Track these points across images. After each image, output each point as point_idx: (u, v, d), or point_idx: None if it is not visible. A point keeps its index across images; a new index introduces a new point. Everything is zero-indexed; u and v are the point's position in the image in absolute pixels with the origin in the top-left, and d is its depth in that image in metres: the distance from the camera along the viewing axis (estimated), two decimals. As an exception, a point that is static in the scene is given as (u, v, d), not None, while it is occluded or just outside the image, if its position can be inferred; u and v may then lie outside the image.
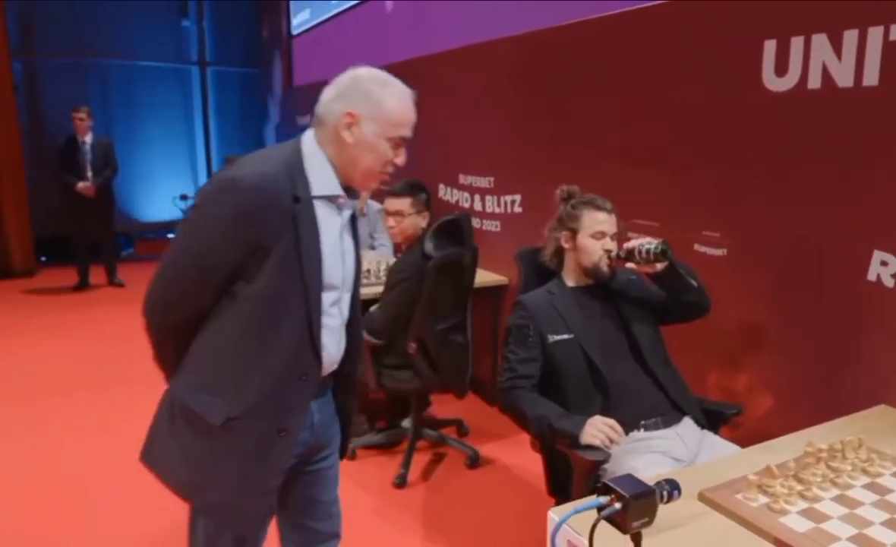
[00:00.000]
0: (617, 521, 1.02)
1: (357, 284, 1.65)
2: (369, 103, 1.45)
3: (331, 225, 1.49)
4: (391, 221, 3.17)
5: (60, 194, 6.68)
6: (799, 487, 1.50)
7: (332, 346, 1.55)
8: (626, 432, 2.03)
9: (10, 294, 6.74)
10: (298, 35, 7.87)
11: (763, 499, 1.47)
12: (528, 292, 2.28)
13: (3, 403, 4.02)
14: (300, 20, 7.76)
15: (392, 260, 3.83)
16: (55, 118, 7.85)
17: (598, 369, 2.08)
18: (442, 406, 3.76)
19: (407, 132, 1.52)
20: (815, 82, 2.14)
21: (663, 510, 1.45)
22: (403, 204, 3.12)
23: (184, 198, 7.40)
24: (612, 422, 1.91)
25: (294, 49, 8.07)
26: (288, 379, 1.47)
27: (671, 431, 2.04)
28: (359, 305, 1.68)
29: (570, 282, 2.25)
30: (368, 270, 3.67)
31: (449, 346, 3.10)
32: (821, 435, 1.76)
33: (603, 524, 1.01)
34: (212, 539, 1.54)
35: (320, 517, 1.73)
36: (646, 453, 1.94)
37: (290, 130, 8.12)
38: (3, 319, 5.84)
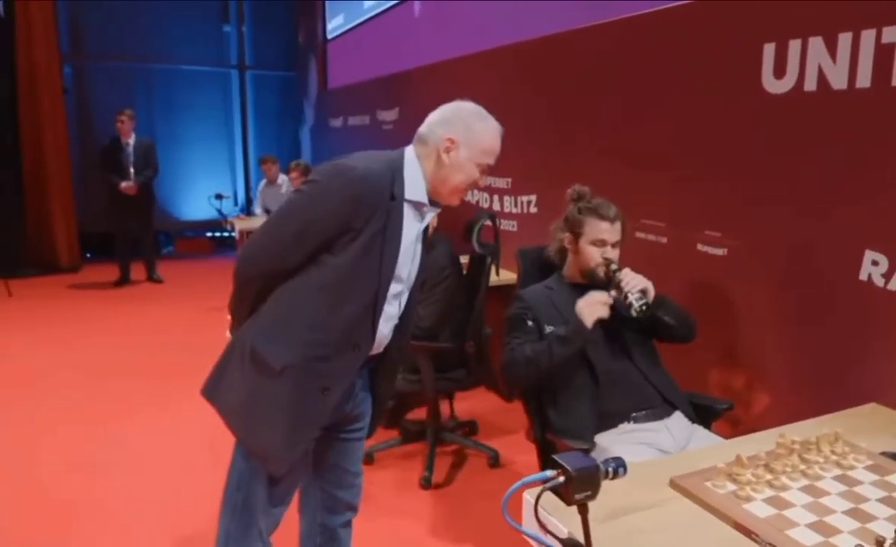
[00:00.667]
0: (561, 493, 1.10)
1: (417, 285, 1.86)
2: (468, 133, 1.70)
3: (412, 227, 1.71)
4: None
5: (104, 193, 6.99)
6: (768, 477, 1.55)
7: (385, 330, 1.76)
8: (616, 424, 2.10)
9: (56, 288, 7.07)
10: (333, 39, 8.06)
11: (731, 486, 1.52)
12: (527, 287, 2.35)
13: (50, 386, 4.28)
14: (335, 25, 7.95)
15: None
16: (102, 120, 8.18)
17: (591, 362, 2.15)
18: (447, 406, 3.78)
19: (492, 160, 1.75)
20: (811, 85, 2.17)
21: (637, 495, 1.53)
22: None
23: (219, 197, 7.62)
24: (595, 294, 2.08)
25: (329, 53, 8.25)
26: (343, 345, 1.67)
27: (661, 424, 2.09)
28: (415, 304, 1.89)
29: (568, 278, 2.32)
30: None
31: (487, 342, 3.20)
32: (805, 430, 1.79)
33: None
34: (251, 480, 1.73)
35: (344, 485, 1.93)
36: (633, 444, 2.00)
37: (324, 132, 8.31)
38: (48, 312, 6.14)
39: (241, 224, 6.61)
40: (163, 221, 8.72)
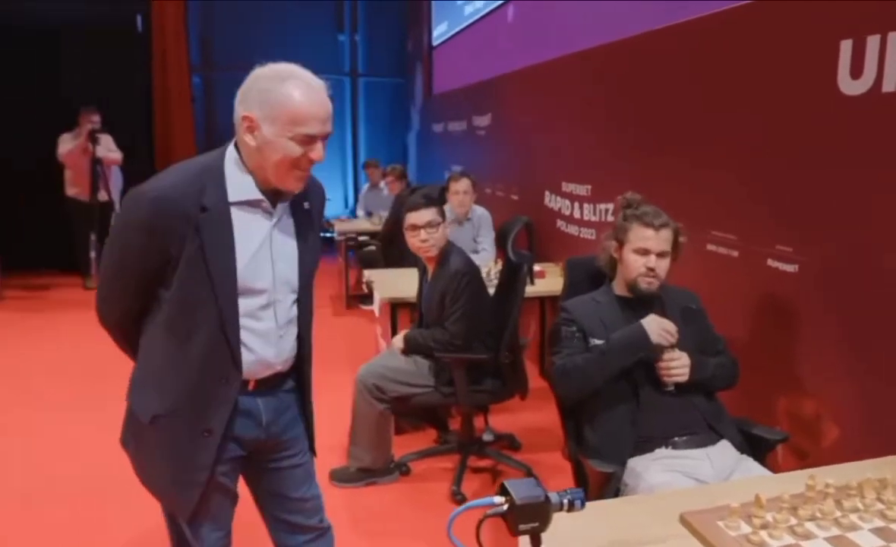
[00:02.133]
0: (506, 521, 1.05)
1: (306, 285, 1.63)
2: (265, 105, 1.41)
3: (254, 229, 1.50)
4: (423, 235, 2.97)
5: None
6: (792, 521, 1.40)
7: (267, 349, 1.56)
8: (653, 448, 1.98)
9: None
10: (438, 46, 8.17)
11: (746, 528, 1.39)
12: (573, 299, 2.27)
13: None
14: (439, 31, 8.05)
15: (495, 266, 3.91)
16: (225, 126, 8.69)
17: (634, 382, 2.04)
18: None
19: (314, 128, 1.44)
20: (889, 85, 1.94)
21: (645, 527, 1.44)
22: (431, 214, 2.99)
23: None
24: (667, 324, 2.01)
25: (434, 59, 8.37)
26: (207, 381, 1.50)
27: (702, 452, 1.95)
28: (309, 307, 1.66)
29: (618, 291, 2.21)
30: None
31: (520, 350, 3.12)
32: (863, 471, 1.60)
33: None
34: (171, 517, 1.70)
35: (293, 511, 1.74)
36: (666, 471, 1.88)
37: (428, 137, 8.45)
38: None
39: (340, 226, 6.83)
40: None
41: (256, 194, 1.49)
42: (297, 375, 1.69)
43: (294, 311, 1.62)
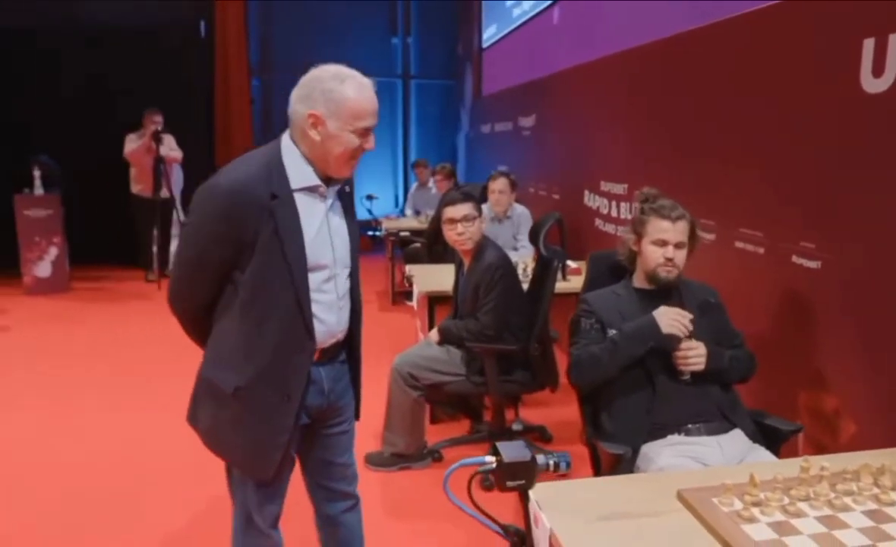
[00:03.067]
0: (496, 478, 1.15)
1: (355, 259, 1.82)
2: (330, 103, 1.58)
3: (313, 212, 1.67)
4: (460, 228, 3.10)
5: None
6: (785, 501, 1.45)
7: (331, 319, 1.74)
8: (666, 435, 2.04)
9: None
10: (487, 48, 8.27)
11: (739, 505, 1.45)
12: (593, 291, 2.34)
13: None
14: (489, 34, 8.16)
15: (532, 262, 3.99)
16: (282, 127, 9.03)
17: (649, 371, 2.11)
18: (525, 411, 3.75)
19: (369, 121, 1.63)
20: (910, 82, 1.96)
21: (644, 502, 1.52)
22: (468, 208, 3.11)
23: (369, 198, 8.15)
24: (682, 311, 2.06)
25: (483, 61, 8.48)
26: (284, 351, 1.66)
27: (712, 440, 2.00)
28: (358, 280, 1.85)
29: (637, 283, 2.28)
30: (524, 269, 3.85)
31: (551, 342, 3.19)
32: (863, 459, 1.63)
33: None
34: (241, 484, 1.80)
35: (336, 478, 1.94)
36: (676, 456, 1.94)
37: (477, 138, 8.55)
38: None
39: (388, 224, 6.99)
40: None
41: (316, 181, 1.67)
42: (349, 345, 1.87)
43: (348, 284, 1.80)
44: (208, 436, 1.77)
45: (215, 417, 1.73)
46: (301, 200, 1.65)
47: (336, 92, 1.59)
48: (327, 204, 1.72)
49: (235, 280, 1.64)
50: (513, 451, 1.14)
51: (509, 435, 3.36)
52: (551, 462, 1.17)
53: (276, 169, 1.63)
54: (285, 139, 1.67)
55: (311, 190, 1.67)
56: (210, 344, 1.74)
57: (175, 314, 1.76)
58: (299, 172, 1.65)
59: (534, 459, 1.14)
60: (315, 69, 1.63)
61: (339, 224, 1.76)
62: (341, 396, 1.88)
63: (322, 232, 1.69)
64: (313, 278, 1.67)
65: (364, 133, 1.63)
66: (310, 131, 1.61)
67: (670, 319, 2.07)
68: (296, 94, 1.64)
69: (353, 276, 1.82)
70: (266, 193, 1.59)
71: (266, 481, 1.75)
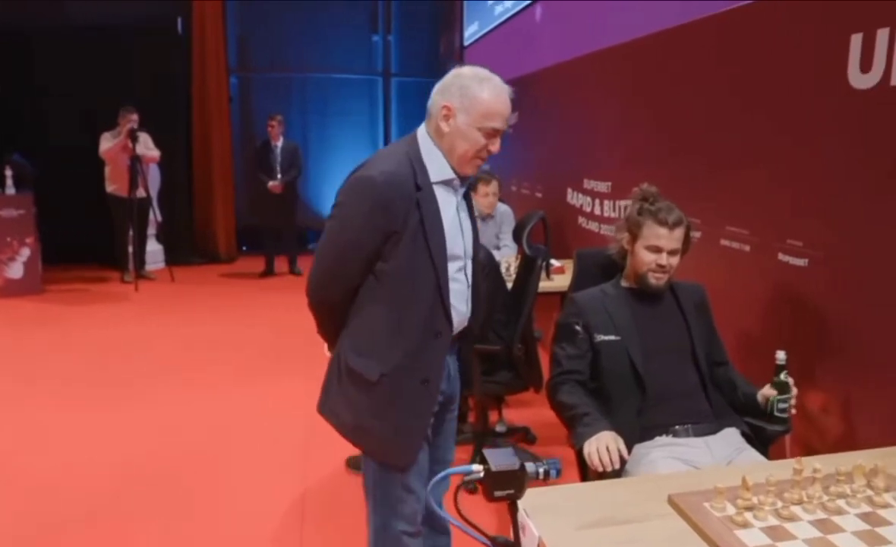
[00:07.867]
0: (484, 487, 1.10)
1: (476, 252, 1.89)
2: (464, 98, 1.65)
3: (448, 204, 1.74)
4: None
5: (255, 191, 7.66)
6: (778, 505, 1.42)
7: (462, 306, 1.81)
8: (653, 436, 2.01)
9: (210, 276, 7.84)
10: (469, 46, 8.21)
11: (731, 510, 1.42)
12: (582, 290, 2.30)
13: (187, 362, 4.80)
14: (471, 32, 8.10)
15: (515, 261, 3.94)
16: (261, 126, 8.91)
17: (638, 372, 2.07)
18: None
19: (498, 124, 1.69)
20: (898, 78, 1.94)
21: (635, 506, 1.48)
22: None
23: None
24: (616, 447, 1.83)
25: (465, 59, 8.43)
26: (426, 338, 1.72)
27: (700, 441, 1.97)
28: (479, 270, 1.92)
29: (626, 283, 2.24)
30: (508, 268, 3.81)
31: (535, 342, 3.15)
32: (856, 460, 1.61)
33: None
34: (379, 474, 1.81)
35: (442, 461, 1.95)
36: (665, 458, 1.91)
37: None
38: (203, 300, 6.82)
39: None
40: (311, 219, 9.33)
41: (451, 174, 1.73)
42: (462, 335, 1.89)
43: (471, 274, 1.87)
44: (346, 426, 1.80)
45: (355, 407, 1.76)
46: (438, 192, 1.72)
47: (472, 89, 1.66)
48: (458, 197, 1.78)
49: (377, 270, 1.70)
50: (501, 458, 1.09)
51: (493, 436, 3.32)
52: (541, 470, 1.12)
53: (417, 161, 1.70)
54: (422, 133, 1.75)
55: (446, 183, 1.74)
56: (348, 335, 1.78)
57: (312, 306, 1.81)
58: (436, 165, 1.72)
59: (523, 467, 1.09)
60: (457, 67, 1.73)
61: (465, 217, 1.84)
62: (455, 384, 1.94)
63: (455, 224, 1.76)
64: (449, 267, 1.73)
65: (491, 134, 1.69)
66: (441, 123, 1.68)
67: (594, 448, 1.84)
68: (437, 87, 1.72)
69: (476, 266, 1.89)
70: (412, 184, 1.67)
71: (406, 467, 1.78)
